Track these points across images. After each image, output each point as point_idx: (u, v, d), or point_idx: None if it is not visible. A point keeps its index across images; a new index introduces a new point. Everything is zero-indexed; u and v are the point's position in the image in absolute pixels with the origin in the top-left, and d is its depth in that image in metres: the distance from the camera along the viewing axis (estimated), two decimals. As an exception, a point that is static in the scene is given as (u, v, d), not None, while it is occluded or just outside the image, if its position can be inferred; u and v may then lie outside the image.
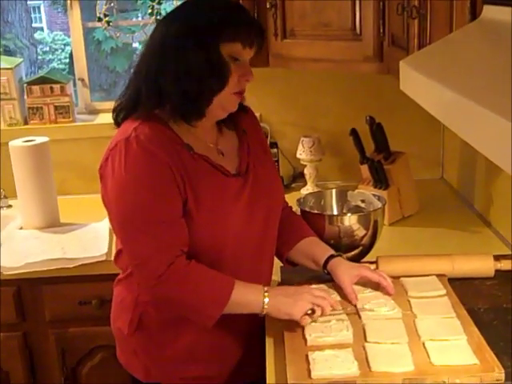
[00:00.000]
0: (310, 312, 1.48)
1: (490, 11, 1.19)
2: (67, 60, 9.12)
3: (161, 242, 1.45)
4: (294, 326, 1.50)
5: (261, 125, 1.87)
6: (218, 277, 1.48)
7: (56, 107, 2.70)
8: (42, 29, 10.83)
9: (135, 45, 6.92)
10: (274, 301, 1.48)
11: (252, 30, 1.48)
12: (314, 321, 1.49)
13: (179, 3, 2.78)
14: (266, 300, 1.47)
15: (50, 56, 9.82)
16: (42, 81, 2.70)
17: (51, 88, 2.69)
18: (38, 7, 11.23)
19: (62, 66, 9.46)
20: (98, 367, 2.21)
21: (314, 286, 1.62)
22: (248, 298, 1.49)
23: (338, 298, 1.60)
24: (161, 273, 1.44)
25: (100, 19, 2.80)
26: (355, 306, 1.57)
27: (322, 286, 1.66)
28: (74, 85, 2.88)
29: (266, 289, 1.49)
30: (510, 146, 0.73)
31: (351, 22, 2.07)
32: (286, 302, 1.48)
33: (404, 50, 1.75)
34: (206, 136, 1.56)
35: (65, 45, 9.60)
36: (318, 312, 1.49)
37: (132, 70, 1.57)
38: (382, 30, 1.99)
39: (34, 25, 9.11)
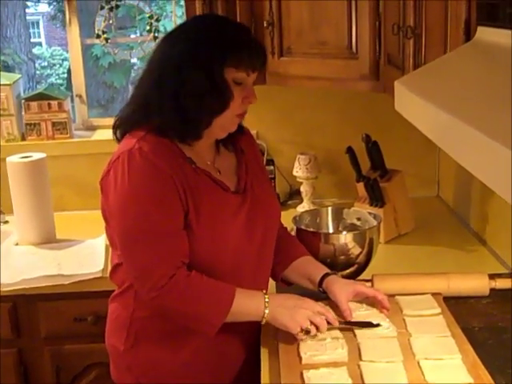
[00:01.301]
0: (306, 328, 1.49)
1: (483, 33, 1.20)
2: (65, 75, 9.16)
3: (162, 253, 1.45)
4: (290, 339, 1.50)
5: (257, 142, 1.89)
6: (219, 286, 1.49)
7: (53, 123, 2.71)
8: (40, 44, 10.88)
9: (133, 60, 6.95)
10: (273, 312, 1.49)
11: (256, 56, 1.50)
12: (311, 337, 1.50)
13: (178, 21, 2.84)
14: (267, 311, 1.49)
15: (48, 71, 9.85)
16: (39, 97, 2.72)
17: (49, 104, 2.71)
18: (37, 22, 11.29)
19: (60, 81, 9.49)
20: (92, 384, 2.20)
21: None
22: (249, 307, 1.50)
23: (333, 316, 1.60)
24: (162, 284, 1.44)
25: (98, 36, 2.82)
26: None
27: (319, 303, 1.65)
28: (72, 101, 2.90)
29: (266, 298, 1.50)
30: (504, 171, 0.73)
31: (347, 41, 2.09)
32: (285, 314, 1.49)
33: (400, 69, 1.77)
34: (204, 153, 1.58)
35: (63, 60, 9.64)
36: (314, 331, 1.49)
37: (133, 86, 1.58)
38: (378, 49, 2.01)
39: (32, 40, 9.15)
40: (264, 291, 1.52)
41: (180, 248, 1.47)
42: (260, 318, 1.50)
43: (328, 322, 1.52)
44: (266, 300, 1.49)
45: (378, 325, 1.56)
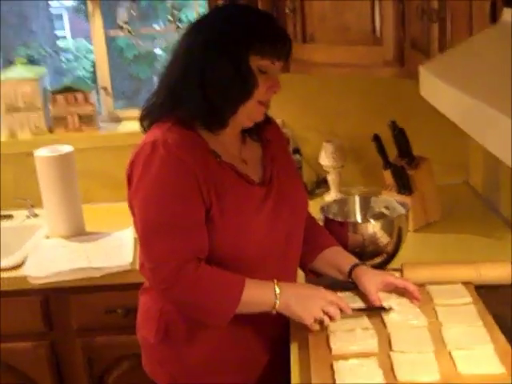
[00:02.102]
0: (319, 318, 1.49)
1: (509, 14, 1.18)
2: (91, 68, 9.20)
3: (175, 246, 1.45)
4: (319, 334, 1.50)
5: (283, 131, 1.87)
6: (229, 277, 1.48)
7: (80, 116, 2.73)
8: (65, 37, 10.93)
9: (158, 52, 6.96)
10: (286, 302, 1.48)
11: (282, 45, 1.49)
12: (331, 331, 1.50)
13: (200, 10, 2.83)
14: (278, 301, 1.48)
15: (74, 64, 9.90)
16: (66, 90, 2.73)
17: (75, 97, 2.72)
18: (61, 15, 11.34)
19: (86, 74, 9.54)
20: (124, 376, 2.22)
21: (339, 293, 1.61)
22: (260, 297, 1.49)
23: (363, 306, 1.60)
24: (171, 278, 1.45)
25: (121, 27, 2.82)
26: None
27: (348, 293, 1.65)
28: (97, 93, 2.91)
29: (277, 289, 1.48)
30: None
31: (371, 26, 2.06)
32: (298, 304, 1.49)
33: (425, 53, 1.74)
34: (230, 144, 1.57)
35: (88, 52, 9.68)
36: (327, 321, 1.49)
37: (159, 77, 1.58)
38: (402, 34, 1.98)
39: (56, 33, 9.20)
40: (275, 281, 1.50)
41: (195, 243, 1.47)
42: (271, 308, 1.48)
43: (341, 311, 1.51)
44: (277, 291, 1.48)
45: (390, 308, 1.55)
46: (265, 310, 1.50)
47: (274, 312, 1.49)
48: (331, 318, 1.49)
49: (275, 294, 1.48)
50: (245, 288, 1.46)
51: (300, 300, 1.49)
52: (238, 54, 1.44)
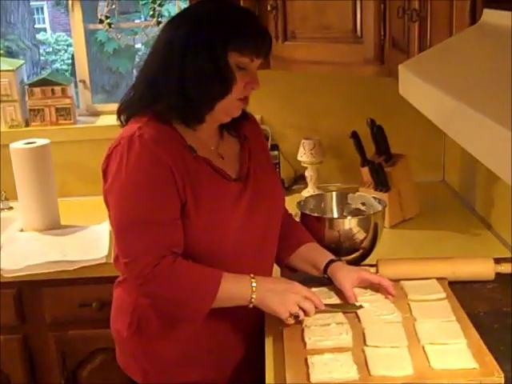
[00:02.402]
0: (294, 313, 1.49)
1: (489, 15, 1.19)
2: (70, 61, 9.12)
3: (150, 242, 1.45)
4: (294, 327, 1.50)
5: (262, 127, 1.87)
6: (205, 271, 1.48)
7: (57, 109, 2.70)
8: (45, 29, 10.84)
9: (138, 46, 6.92)
10: (262, 296, 1.48)
11: (262, 42, 1.49)
12: (306, 325, 1.50)
13: (182, 4, 2.82)
14: (254, 295, 1.48)
15: (53, 57, 9.82)
16: (43, 83, 2.71)
17: (52, 90, 2.70)
18: (41, 8, 11.24)
19: (65, 67, 9.46)
20: (98, 370, 2.20)
21: (314, 289, 1.61)
22: (236, 292, 1.49)
23: (338, 301, 1.60)
24: (147, 272, 1.44)
25: (101, 21, 2.80)
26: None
27: (323, 288, 1.66)
28: (76, 86, 2.88)
29: (254, 283, 1.48)
30: (509, 156, 0.72)
31: (352, 25, 2.07)
32: (274, 299, 1.48)
33: (404, 53, 1.75)
34: (207, 139, 1.57)
35: (68, 46, 9.60)
36: (302, 316, 1.49)
37: (138, 71, 1.57)
38: (382, 33, 1.99)
39: (37, 25, 9.12)
40: (251, 275, 1.50)
41: (170, 238, 1.46)
42: (247, 302, 1.48)
43: (315, 306, 1.51)
44: (253, 285, 1.48)
45: (360, 306, 1.57)
46: (241, 304, 1.49)
47: (251, 306, 1.49)
48: (306, 313, 1.50)
49: (251, 289, 1.48)
50: (221, 282, 1.46)
51: (276, 295, 1.49)
52: (216, 50, 1.44)
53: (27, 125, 2.73)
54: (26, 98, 2.70)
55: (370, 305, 1.59)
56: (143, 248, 1.45)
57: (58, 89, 2.70)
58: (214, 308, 1.47)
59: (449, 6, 1.42)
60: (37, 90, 2.69)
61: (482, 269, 1.75)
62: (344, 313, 1.56)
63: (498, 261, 1.77)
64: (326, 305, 1.55)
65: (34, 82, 2.73)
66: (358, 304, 1.58)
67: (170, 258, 1.45)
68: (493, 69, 1.01)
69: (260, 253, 1.62)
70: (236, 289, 1.49)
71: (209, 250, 1.51)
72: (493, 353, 1.37)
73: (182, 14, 1.57)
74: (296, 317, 1.50)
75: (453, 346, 1.40)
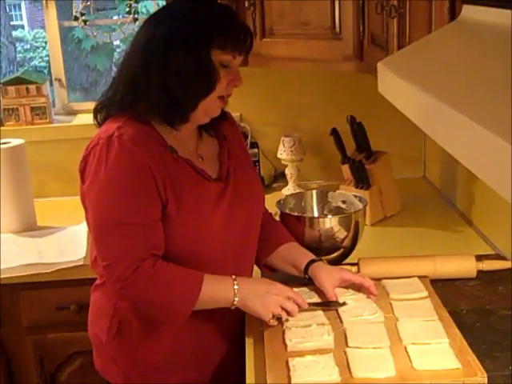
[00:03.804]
0: (277, 315, 1.48)
1: (468, 11, 1.17)
2: (49, 58, 9.04)
3: (130, 244, 1.42)
4: (274, 329, 1.48)
5: (241, 125, 1.85)
6: (186, 273, 1.46)
7: (32, 108, 2.66)
8: (22, 26, 10.72)
9: (116, 43, 6.86)
10: (244, 298, 1.46)
11: (244, 39, 1.47)
12: (286, 323, 1.48)
13: (159, 1, 2.78)
14: (236, 298, 1.46)
15: (31, 54, 9.72)
16: (17, 81, 2.66)
17: (27, 88, 2.65)
18: (19, 5, 11.11)
19: (43, 64, 9.36)
20: (76, 373, 2.17)
21: (295, 289, 1.59)
22: (218, 294, 1.47)
23: (319, 300, 1.58)
24: (127, 276, 1.41)
25: (76, 18, 2.76)
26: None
27: (304, 288, 1.64)
28: (52, 85, 2.84)
29: (236, 284, 1.46)
30: (487, 155, 0.71)
31: (331, 21, 2.05)
32: (256, 300, 1.47)
33: (384, 49, 1.74)
34: (187, 140, 1.55)
35: (46, 42, 9.50)
36: (285, 317, 1.48)
37: (116, 71, 1.54)
38: (361, 29, 1.97)
39: (14, 22, 9.02)
40: (233, 277, 1.48)
41: (150, 240, 1.44)
42: (230, 304, 1.46)
43: (298, 306, 1.50)
44: (235, 287, 1.46)
45: (344, 303, 1.55)
46: (223, 305, 1.47)
47: (233, 308, 1.47)
48: (289, 314, 1.48)
49: (234, 291, 1.46)
50: (203, 284, 1.44)
51: (258, 296, 1.47)
52: (199, 48, 1.42)
53: (1, 124, 2.68)
54: (0, 98, 2.65)
55: (352, 304, 1.57)
56: (123, 251, 1.42)
57: (32, 87, 2.65)
58: (195, 310, 1.45)
59: (428, 2, 1.40)
60: (11, 88, 2.64)
61: (463, 266, 1.74)
62: (326, 310, 1.54)
63: (479, 258, 1.77)
64: (309, 304, 1.53)
65: (7, 80, 2.68)
66: (341, 301, 1.56)
67: (150, 260, 1.43)
68: (473, 66, 1.00)
69: (241, 253, 1.59)
70: (218, 291, 1.47)
71: (190, 252, 1.49)
72: (475, 352, 1.36)
73: (162, 11, 1.54)
74: (279, 318, 1.48)
75: (435, 345, 1.39)
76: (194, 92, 1.44)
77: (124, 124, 1.45)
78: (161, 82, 1.43)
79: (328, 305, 1.56)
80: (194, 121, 1.52)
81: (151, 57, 1.43)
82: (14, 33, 8.40)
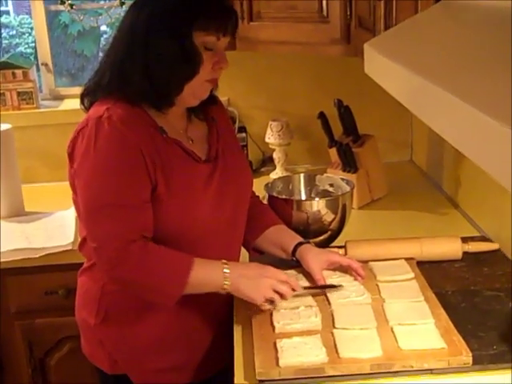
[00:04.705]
0: (270, 298, 1.48)
1: (453, -8, 1.18)
2: (34, 44, 8.96)
3: (119, 226, 1.42)
4: (262, 311, 1.49)
5: (229, 109, 1.85)
6: (177, 256, 1.46)
7: (19, 93, 2.64)
8: (8, 12, 10.60)
9: (103, 28, 6.80)
10: (236, 282, 1.46)
11: (227, 19, 1.46)
12: (278, 307, 1.49)
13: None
14: (227, 282, 1.45)
15: (17, 40, 9.62)
16: (3, 66, 2.64)
17: (13, 73, 2.63)
18: (4, -10, 10.98)
19: (29, 50, 9.27)
20: (66, 358, 2.18)
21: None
22: (208, 277, 1.46)
23: (307, 284, 1.59)
24: (116, 257, 1.41)
25: (63, 2, 2.73)
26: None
27: (291, 271, 1.64)
28: (39, 70, 2.82)
29: (226, 269, 1.45)
30: (475, 134, 0.71)
31: (318, 5, 2.05)
32: (248, 284, 1.46)
33: (371, 32, 1.74)
34: (176, 122, 1.54)
35: (32, 29, 9.41)
36: (278, 300, 1.48)
37: (103, 55, 1.54)
38: (348, 12, 1.97)
39: (-1, 8, 8.91)
40: (224, 261, 1.48)
41: (140, 222, 1.44)
42: (220, 289, 1.46)
43: (292, 289, 1.50)
44: (225, 271, 1.45)
45: (340, 286, 1.56)
46: (214, 290, 1.47)
47: (224, 292, 1.47)
48: (282, 297, 1.48)
49: (223, 275, 1.45)
50: (193, 268, 1.43)
51: (250, 280, 1.47)
52: (181, 30, 1.41)
53: (-12, 110, 2.66)
54: (-14, 83, 2.63)
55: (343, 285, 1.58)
56: (113, 232, 1.42)
57: (19, 72, 2.63)
58: (185, 294, 1.45)
59: (413, -15, 1.40)
60: (-3, 73, 2.62)
61: (449, 248, 1.75)
62: (314, 294, 1.54)
63: (465, 240, 1.78)
64: (304, 287, 1.54)
65: (-7, 65, 2.66)
66: (337, 285, 1.56)
67: (140, 242, 1.43)
68: (458, 46, 1.00)
69: (229, 235, 1.60)
70: (208, 275, 1.47)
71: (179, 233, 1.49)
72: (461, 332, 1.37)
73: None
74: (272, 301, 1.48)
75: (421, 326, 1.41)
76: (177, 75, 1.43)
77: (113, 106, 1.44)
78: (144, 65, 1.42)
79: (322, 288, 1.56)
80: (182, 104, 1.52)
81: (134, 40, 1.43)
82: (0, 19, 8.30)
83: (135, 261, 1.42)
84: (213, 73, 1.48)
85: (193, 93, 1.48)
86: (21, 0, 10.35)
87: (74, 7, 2.75)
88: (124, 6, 2.71)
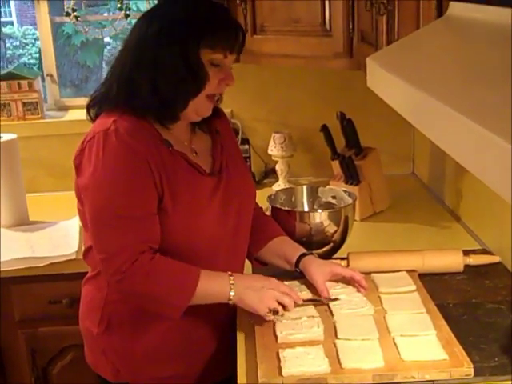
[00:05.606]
0: (273, 309, 1.49)
1: (455, 8, 1.20)
2: (38, 55, 9.00)
3: (128, 237, 1.43)
4: (265, 321, 1.50)
5: (232, 121, 1.86)
6: (184, 268, 1.47)
7: (24, 103, 2.66)
8: (11, 23, 10.66)
9: (106, 39, 6.85)
10: (240, 294, 1.47)
11: (235, 37, 1.48)
12: (280, 317, 1.50)
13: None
14: (232, 293, 1.47)
15: (21, 51, 9.67)
16: (9, 77, 2.66)
17: (19, 84, 2.65)
18: (8, 1, 11.05)
19: (32, 61, 9.33)
20: (68, 367, 2.18)
21: (285, 282, 1.61)
22: (214, 289, 1.48)
23: (310, 296, 1.60)
24: (125, 269, 1.42)
25: (68, 14, 2.76)
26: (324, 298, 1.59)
27: (295, 282, 1.66)
28: (44, 80, 2.84)
29: (232, 280, 1.48)
30: (477, 149, 0.72)
31: (321, 18, 2.07)
32: (252, 296, 1.48)
33: (373, 46, 1.76)
34: (180, 134, 1.56)
35: (35, 39, 9.46)
36: (281, 311, 1.49)
37: (109, 68, 1.55)
38: (351, 26, 1.99)
39: (3, 19, 8.97)
40: (229, 272, 1.50)
41: (148, 233, 1.45)
42: (226, 299, 1.48)
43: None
44: (232, 282, 1.47)
45: (336, 299, 1.57)
46: (219, 301, 1.49)
47: (231, 303, 1.48)
48: (285, 308, 1.50)
49: (230, 286, 1.47)
50: (200, 280, 1.45)
51: (254, 292, 1.48)
52: (188, 47, 1.43)
53: (-7, 120, 2.68)
54: (-8, 93, 2.65)
55: (343, 297, 1.59)
56: (121, 244, 1.43)
57: (24, 83, 2.66)
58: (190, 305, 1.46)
59: (415, 0, 1.42)
60: (3, 84, 2.64)
61: (451, 261, 1.76)
62: (317, 305, 1.56)
63: (466, 253, 1.80)
64: (304, 300, 1.55)
65: None
66: (333, 297, 1.58)
67: (148, 254, 1.44)
68: (459, 61, 1.02)
69: (233, 247, 1.61)
70: (215, 286, 1.48)
71: (184, 245, 1.50)
72: (462, 344, 1.38)
73: (155, 9, 1.55)
74: (275, 312, 1.49)
75: (423, 337, 1.42)
76: (183, 91, 1.45)
77: (119, 118, 1.46)
78: (151, 80, 1.44)
79: (320, 301, 1.58)
80: (185, 119, 1.53)
81: (142, 55, 1.45)
82: (3, 29, 8.36)
83: (144, 272, 1.43)
84: (219, 88, 1.50)
85: (195, 109, 1.50)
86: (25, 11, 10.43)
87: (79, 19, 2.78)
88: (129, 19, 2.75)
